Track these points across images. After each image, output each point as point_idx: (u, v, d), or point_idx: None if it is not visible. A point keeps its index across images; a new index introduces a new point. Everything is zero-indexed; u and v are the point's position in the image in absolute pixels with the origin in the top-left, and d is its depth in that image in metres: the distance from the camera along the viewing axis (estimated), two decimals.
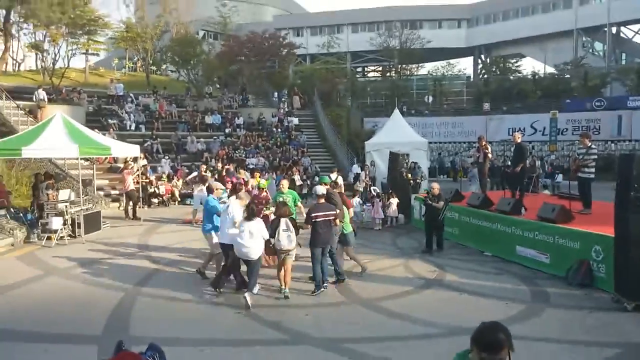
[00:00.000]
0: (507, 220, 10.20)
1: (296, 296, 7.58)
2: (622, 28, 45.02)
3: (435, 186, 10.95)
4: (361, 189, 17.65)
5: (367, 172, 19.11)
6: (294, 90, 33.37)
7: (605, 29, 43.36)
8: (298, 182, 20.31)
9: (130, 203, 15.48)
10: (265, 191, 11.04)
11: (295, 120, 28.96)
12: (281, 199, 10.12)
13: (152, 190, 18.60)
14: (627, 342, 5.93)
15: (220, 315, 6.83)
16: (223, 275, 7.76)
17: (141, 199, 16.19)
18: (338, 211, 8.01)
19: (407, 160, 16.33)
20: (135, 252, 10.76)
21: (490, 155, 13.08)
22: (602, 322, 6.55)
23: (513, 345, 2.56)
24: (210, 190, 8.71)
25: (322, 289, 7.70)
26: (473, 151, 13.73)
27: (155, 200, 18.65)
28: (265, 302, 7.32)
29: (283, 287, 7.50)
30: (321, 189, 7.93)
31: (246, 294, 6.98)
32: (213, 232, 8.22)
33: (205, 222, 8.36)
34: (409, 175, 15.98)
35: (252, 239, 7.04)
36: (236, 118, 27.97)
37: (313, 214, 7.60)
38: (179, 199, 19.10)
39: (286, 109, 30.64)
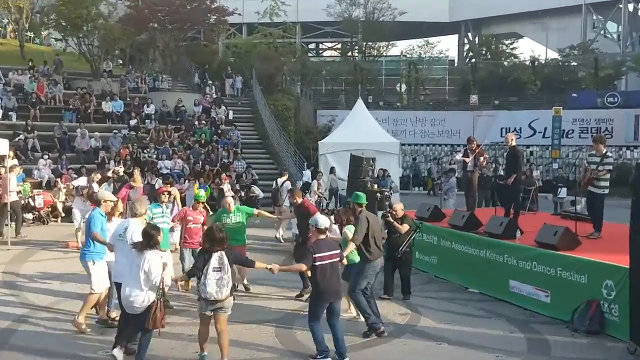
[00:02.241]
0: (499, 246, 10.43)
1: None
2: None
3: (399, 207, 10.60)
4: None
5: (320, 182, 19.16)
6: (226, 72, 33.17)
7: (621, 5, 45.38)
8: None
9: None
10: (204, 208, 10.50)
11: (226, 112, 28.77)
12: (229, 221, 9.79)
13: (24, 202, 17.90)
14: None
15: None
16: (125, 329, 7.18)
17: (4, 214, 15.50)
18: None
19: (372, 167, 16.50)
20: None
21: (485, 162, 13.36)
22: None
23: None
24: (96, 201, 8.42)
25: None
26: (458, 156, 13.95)
27: (30, 216, 18.06)
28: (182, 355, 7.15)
29: (203, 352, 7.01)
30: (324, 221, 7.47)
31: (115, 352, 6.75)
32: (96, 261, 7.98)
33: (86, 245, 8.10)
34: (375, 187, 16.13)
35: (145, 281, 6.53)
36: (145, 106, 27.44)
37: (317, 255, 7.09)
38: (63, 214, 18.54)
39: (214, 96, 30.36)
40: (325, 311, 7.24)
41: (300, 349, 7.71)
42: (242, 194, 21.37)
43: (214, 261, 6.56)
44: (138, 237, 6.81)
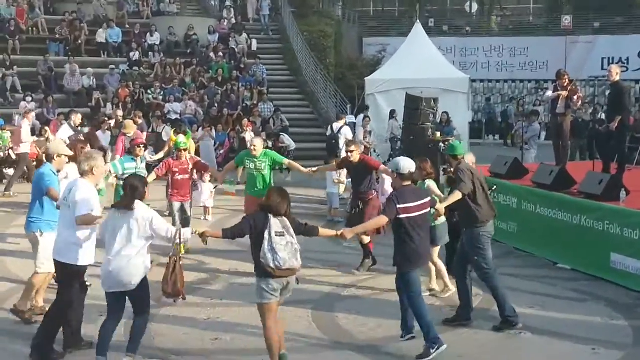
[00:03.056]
0: (598, 211, 10.27)
1: (250, 336, 7.59)
2: None
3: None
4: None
5: (367, 129, 19.07)
6: None
7: None
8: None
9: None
10: (188, 156, 11.20)
11: (248, 41, 28.61)
12: (252, 166, 10.62)
13: (3, 154, 18.35)
14: None
15: None
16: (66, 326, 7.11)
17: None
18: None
19: (435, 110, 16.33)
20: None
21: (579, 103, 13.09)
22: None
23: None
24: (48, 156, 8.25)
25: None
26: (548, 94, 13.63)
27: (11, 172, 18.36)
28: (197, 342, 7.32)
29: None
30: (408, 163, 7.35)
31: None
32: (45, 231, 7.89)
33: (32, 212, 7.99)
34: (438, 135, 15.99)
35: (135, 253, 6.42)
36: (148, 35, 27.57)
37: (401, 206, 7.05)
38: None
39: (233, 21, 30.24)
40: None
41: (341, 337, 7.76)
42: (269, 144, 21.43)
43: (275, 224, 6.35)
44: (83, 201, 6.67)
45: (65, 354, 7.04)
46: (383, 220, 7.25)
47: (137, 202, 6.45)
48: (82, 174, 6.97)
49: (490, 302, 9.03)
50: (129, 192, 6.50)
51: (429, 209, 7.43)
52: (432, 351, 6.94)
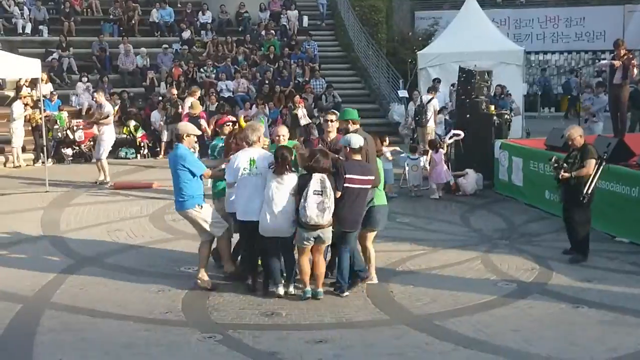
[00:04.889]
0: None
1: (305, 311, 7.73)
2: None
3: (575, 132, 9.66)
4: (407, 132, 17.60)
5: (418, 102, 18.99)
6: None
7: None
8: (303, 121, 20.25)
9: None
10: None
11: (299, 17, 28.59)
12: None
13: (62, 135, 18.80)
14: None
15: (179, 341, 6.95)
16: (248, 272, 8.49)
17: (43, 150, 16.37)
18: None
19: (488, 83, 16.12)
20: (36, 238, 11.01)
21: (635, 71, 12.89)
22: None
23: None
24: (178, 137, 8.65)
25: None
26: (606, 63, 13.40)
27: (69, 152, 18.97)
28: (253, 317, 7.48)
29: (307, 287, 8.11)
30: (357, 139, 8.13)
31: (279, 287, 8.10)
32: (201, 204, 8.43)
33: (180, 192, 8.41)
34: (492, 108, 15.82)
35: (287, 206, 7.84)
36: (200, 13, 27.77)
37: (347, 176, 7.89)
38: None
39: None
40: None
41: (396, 312, 7.81)
42: (321, 120, 21.41)
43: (314, 183, 7.70)
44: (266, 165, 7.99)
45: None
46: (337, 194, 7.87)
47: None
48: (252, 143, 8.14)
49: (546, 275, 9.02)
50: (280, 161, 7.84)
51: (369, 185, 8.12)
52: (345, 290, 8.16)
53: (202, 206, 8.43)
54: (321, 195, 7.67)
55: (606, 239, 10.77)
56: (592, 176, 9.36)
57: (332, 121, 9.11)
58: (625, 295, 8.19)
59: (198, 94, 17.91)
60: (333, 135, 9.00)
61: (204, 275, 8.49)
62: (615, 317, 7.54)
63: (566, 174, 9.41)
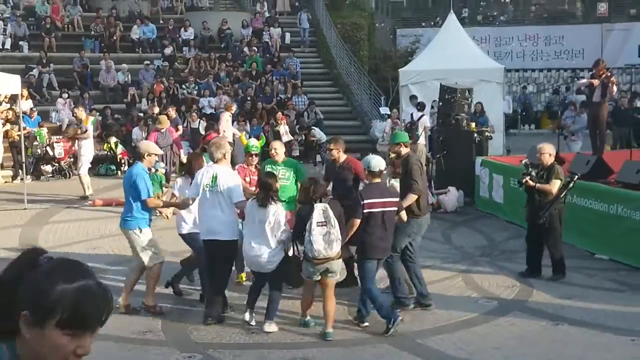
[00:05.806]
0: (636, 200, 10.16)
1: (285, 329, 7.67)
2: None
3: (546, 149, 9.59)
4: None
5: (396, 119, 19.06)
6: None
7: None
8: (285, 138, 20.26)
9: None
10: (258, 164, 9.79)
11: (281, 34, 28.67)
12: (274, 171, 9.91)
13: (41, 151, 18.66)
14: None
15: None
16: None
17: (22, 166, 16.29)
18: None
19: (469, 100, 16.23)
20: (11, 257, 10.85)
21: (614, 90, 12.99)
22: None
23: None
24: (138, 155, 8.63)
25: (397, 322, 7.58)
26: (584, 82, 13.52)
27: (49, 168, 18.80)
28: (234, 336, 7.43)
29: (307, 317, 7.87)
30: (378, 162, 7.77)
31: (266, 326, 7.57)
32: (142, 227, 8.15)
33: (127, 211, 8.23)
34: (473, 125, 15.92)
35: (270, 241, 7.47)
36: (182, 30, 27.78)
37: (366, 201, 7.54)
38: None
39: (267, 14, 30.32)
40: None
41: (379, 331, 7.74)
42: (303, 137, 21.46)
43: (317, 215, 7.24)
44: (229, 185, 7.71)
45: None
46: (356, 223, 7.56)
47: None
48: (217, 160, 7.87)
49: (526, 293, 9.04)
50: (263, 190, 7.60)
51: (393, 207, 7.71)
52: (390, 327, 7.47)
53: (142, 230, 8.13)
54: (326, 226, 7.22)
55: (586, 256, 10.82)
56: (554, 197, 9.37)
57: (330, 150, 9.19)
58: (605, 313, 8.22)
59: (233, 109, 18.55)
60: (342, 158, 9.02)
61: (125, 300, 8.18)
62: (595, 334, 7.56)
63: (530, 182, 9.44)
